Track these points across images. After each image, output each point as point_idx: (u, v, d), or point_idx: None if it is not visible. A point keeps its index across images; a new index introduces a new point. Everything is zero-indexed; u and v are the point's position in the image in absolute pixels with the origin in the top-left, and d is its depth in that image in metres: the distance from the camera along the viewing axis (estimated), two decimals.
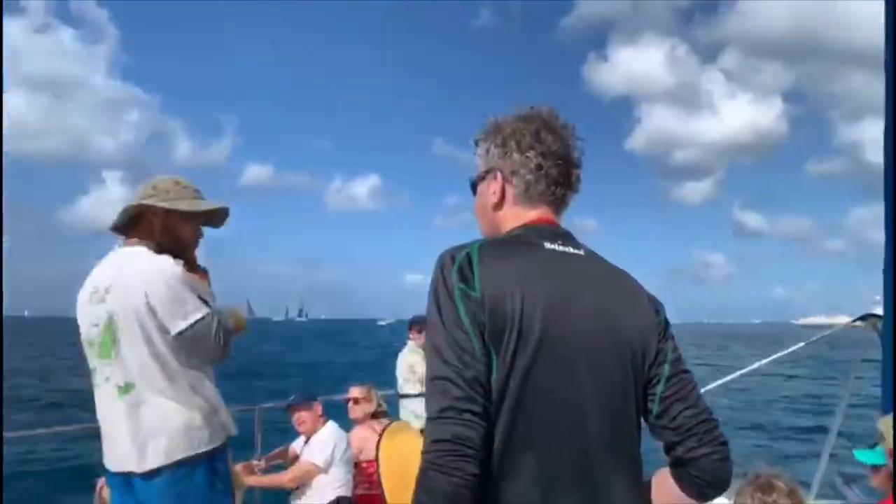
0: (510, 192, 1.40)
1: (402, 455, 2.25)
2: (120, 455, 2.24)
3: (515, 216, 1.39)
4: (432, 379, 1.18)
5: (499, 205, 1.41)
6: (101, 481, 3.17)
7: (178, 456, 2.19)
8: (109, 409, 2.26)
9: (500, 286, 1.20)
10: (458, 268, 1.22)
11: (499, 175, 1.40)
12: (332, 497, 3.97)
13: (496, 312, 1.18)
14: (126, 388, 2.22)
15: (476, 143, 1.47)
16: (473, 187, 1.49)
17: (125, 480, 2.26)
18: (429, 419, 1.16)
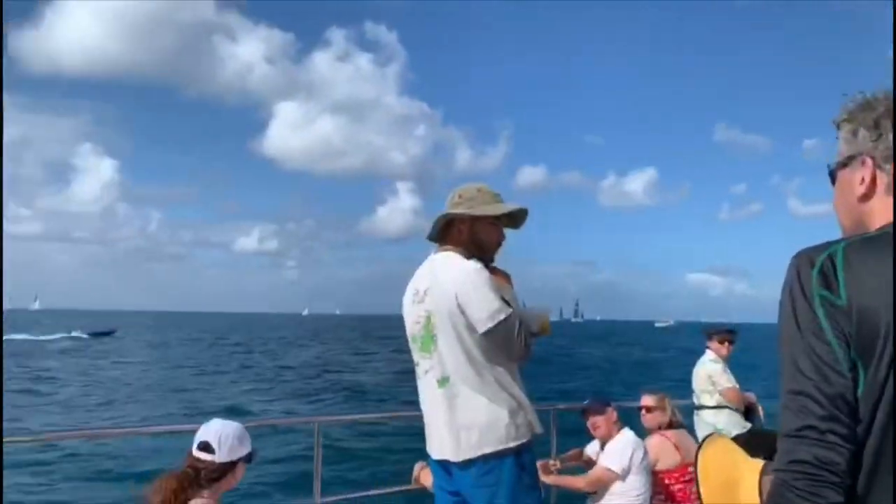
0: (882, 181, 1.18)
1: (722, 467, 2.10)
2: (439, 443, 2.46)
3: (887, 210, 1.17)
4: (789, 392, 1.07)
5: (866, 196, 1.20)
6: (420, 465, 3.47)
7: (487, 449, 2.34)
8: (430, 399, 2.49)
9: (869, 293, 1.03)
10: (818, 272, 1.07)
11: (868, 161, 1.19)
12: (631, 502, 3.87)
13: (865, 323, 1.02)
14: (443, 381, 2.42)
15: (838, 125, 1.26)
16: (832, 176, 1.29)
17: (444, 467, 2.49)
18: (784, 436, 1.06)
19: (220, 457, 2.30)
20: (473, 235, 2.53)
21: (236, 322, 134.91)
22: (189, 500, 2.24)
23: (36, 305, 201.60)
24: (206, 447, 2.31)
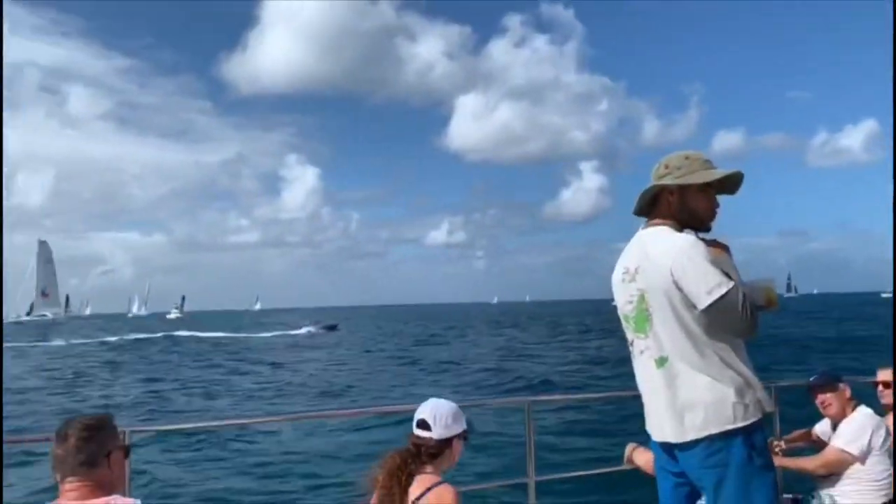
0: None
1: None
2: (659, 424, 2.37)
3: None
4: None
5: None
6: (631, 447, 3.44)
7: (712, 430, 2.22)
8: (648, 379, 2.40)
9: None
10: None
11: None
12: (872, 489, 3.51)
13: None
14: (661, 361, 2.32)
15: None
16: None
17: (667, 449, 2.40)
18: None
19: (436, 433, 2.41)
20: (684, 206, 2.40)
21: (432, 312, 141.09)
22: (413, 475, 2.37)
23: (258, 306, 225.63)
24: (423, 424, 2.44)
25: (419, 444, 2.42)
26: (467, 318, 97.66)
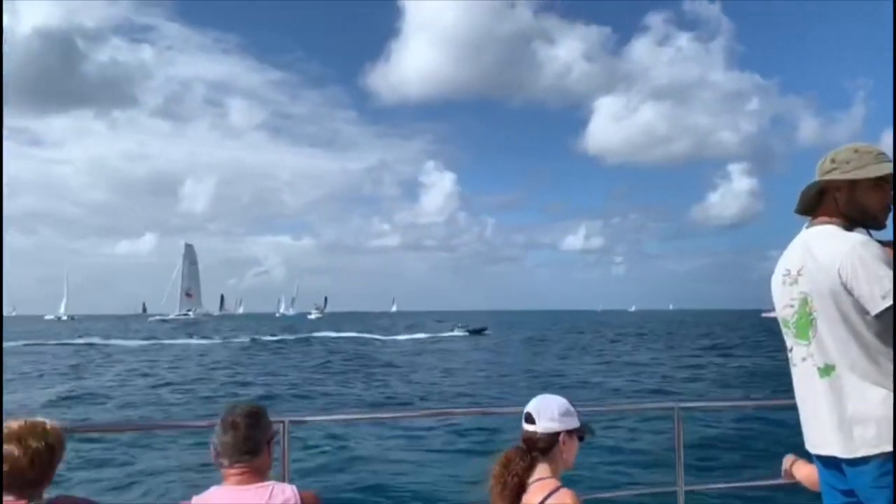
0: None
1: None
2: (823, 438, 2.19)
3: None
4: None
5: None
6: (790, 459, 3.26)
7: (886, 447, 2.02)
8: (809, 389, 2.23)
9: None
10: None
11: None
12: None
13: None
14: (826, 370, 2.15)
15: None
16: None
17: (833, 463, 2.21)
18: None
19: (540, 426, 2.38)
20: (853, 203, 2.21)
21: (569, 319, 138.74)
22: (527, 470, 2.35)
23: (394, 308, 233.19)
24: (528, 418, 2.42)
25: (527, 439, 2.41)
26: (607, 325, 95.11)
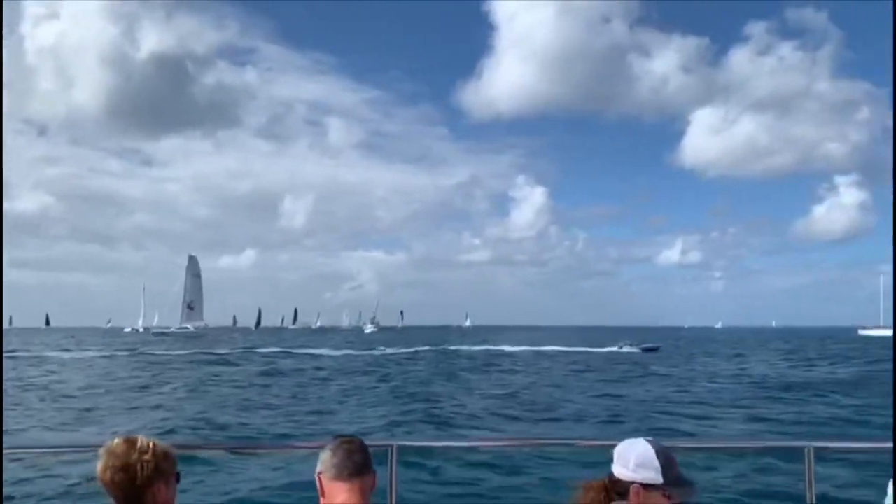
0: None
1: None
2: None
3: None
4: None
5: None
6: None
7: None
8: None
9: None
10: None
11: None
12: None
13: None
14: None
15: None
16: None
17: None
18: None
19: (615, 470, 2.21)
20: None
21: (671, 335, 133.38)
22: None
23: (468, 323, 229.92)
24: (613, 458, 2.25)
25: (610, 479, 2.22)
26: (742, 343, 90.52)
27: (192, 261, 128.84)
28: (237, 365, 43.39)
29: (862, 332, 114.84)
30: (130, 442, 2.18)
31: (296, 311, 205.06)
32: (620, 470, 2.19)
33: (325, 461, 2.30)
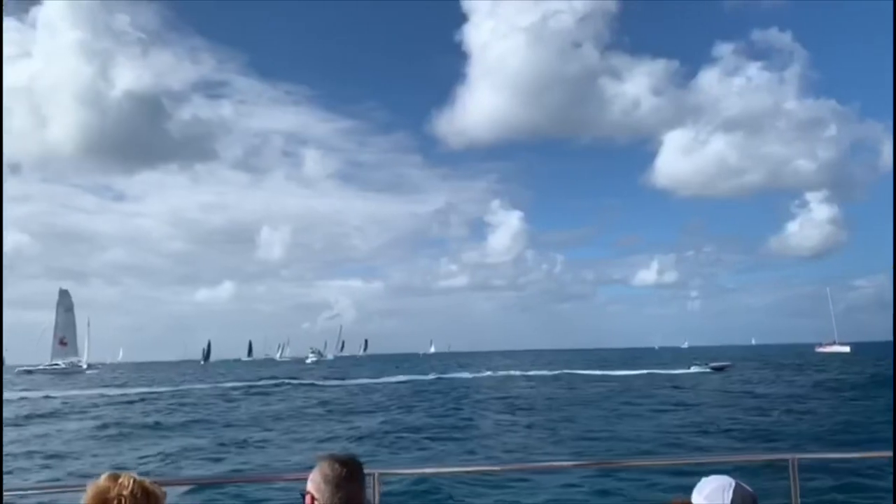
0: None
1: None
2: None
3: None
4: None
5: None
6: None
7: None
8: None
9: None
10: None
11: None
12: None
13: None
14: None
15: None
16: None
17: None
18: None
19: (695, 498, 2.29)
20: None
21: (649, 355, 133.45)
22: None
23: (432, 349, 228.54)
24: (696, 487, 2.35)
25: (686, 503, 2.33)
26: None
27: (64, 294, 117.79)
28: None
29: (819, 350, 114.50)
30: (114, 478, 2.26)
31: (250, 344, 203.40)
32: (696, 497, 2.30)
33: (316, 481, 2.34)
